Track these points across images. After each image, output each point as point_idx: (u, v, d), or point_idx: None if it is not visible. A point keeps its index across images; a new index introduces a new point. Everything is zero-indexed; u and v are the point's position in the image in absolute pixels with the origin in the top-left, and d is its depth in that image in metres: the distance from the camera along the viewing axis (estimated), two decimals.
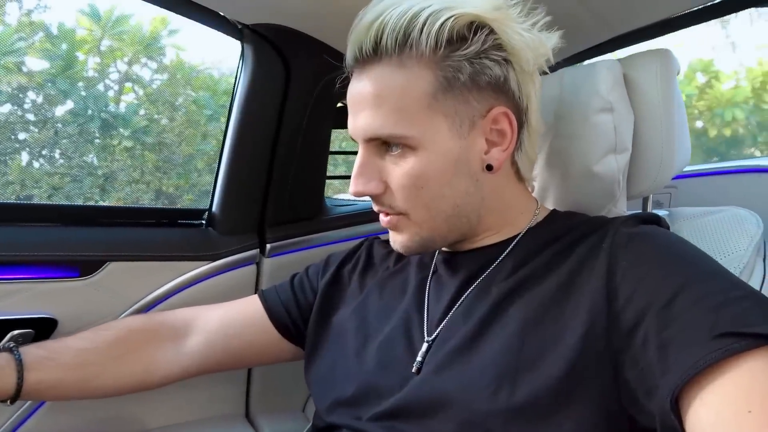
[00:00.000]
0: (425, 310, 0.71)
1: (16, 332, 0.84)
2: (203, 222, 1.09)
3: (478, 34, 0.62)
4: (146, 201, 5.86)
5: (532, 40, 0.65)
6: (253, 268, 1.08)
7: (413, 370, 0.65)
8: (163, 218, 1.05)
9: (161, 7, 0.87)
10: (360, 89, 0.65)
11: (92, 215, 0.97)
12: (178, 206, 4.46)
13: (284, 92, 1.03)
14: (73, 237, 0.93)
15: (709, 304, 0.51)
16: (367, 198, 0.69)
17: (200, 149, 6.12)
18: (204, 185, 5.84)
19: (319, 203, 1.18)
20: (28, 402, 0.88)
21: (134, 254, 0.96)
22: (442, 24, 0.61)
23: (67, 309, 0.90)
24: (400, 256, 0.83)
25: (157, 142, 6.04)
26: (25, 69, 5.53)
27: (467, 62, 0.62)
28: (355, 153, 0.68)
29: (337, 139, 1.28)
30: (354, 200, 1.30)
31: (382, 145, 0.66)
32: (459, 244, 0.72)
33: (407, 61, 0.62)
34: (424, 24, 0.61)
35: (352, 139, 0.69)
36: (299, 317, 0.85)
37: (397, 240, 0.70)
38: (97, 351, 0.78)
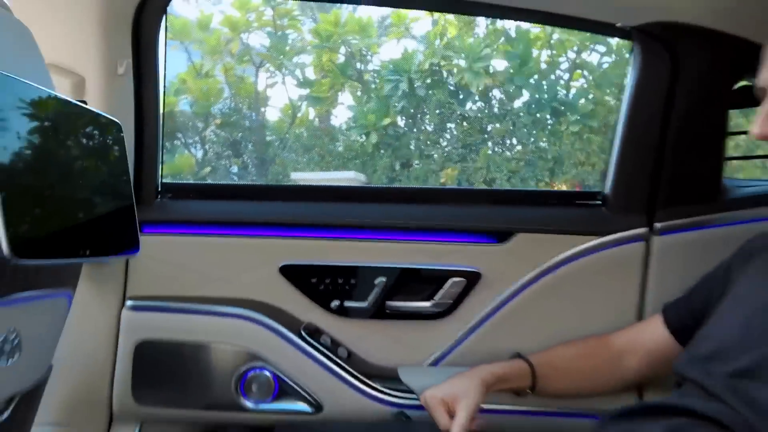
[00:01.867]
0: None
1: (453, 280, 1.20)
2: (599, 202, 1.26)
3: None
4: (591, 182, 6.18)
5: None
6: (641, 245, 1.20)
7: None
8: (563, 199, 1.27)
9: (553, 26, 1.07)
10: None
11: (508, 197, 1.27)
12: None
13: (671, 82, 1.11)
14: (494, 213, 1.25)
15: None
16: None
17: None
18: None
19: (715, 184, 1.20)
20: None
21: (538, 227, 1.21)
22: None
23: (488, 266, 1.21)
24: None
25: (603, 125, 6.26)
26: (491, 70, 6.52)
27: None
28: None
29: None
30: (757, 181, 1.25)
31: None
32: None
33: None
34: None
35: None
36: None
37: None
38: (573, 364, 1.09)
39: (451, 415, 0.95)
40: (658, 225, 1.19)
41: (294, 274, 1.21)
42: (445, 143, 6.59)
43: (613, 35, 1.12)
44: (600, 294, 1.20)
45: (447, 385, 1.00)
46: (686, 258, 1.15)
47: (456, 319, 1.22)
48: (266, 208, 1.27)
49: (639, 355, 1.06)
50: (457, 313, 1.21)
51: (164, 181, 1.29)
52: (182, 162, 7.07)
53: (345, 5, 6.90)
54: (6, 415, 0.78)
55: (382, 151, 6.79)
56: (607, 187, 1.24)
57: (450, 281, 1.20)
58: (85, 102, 1.10)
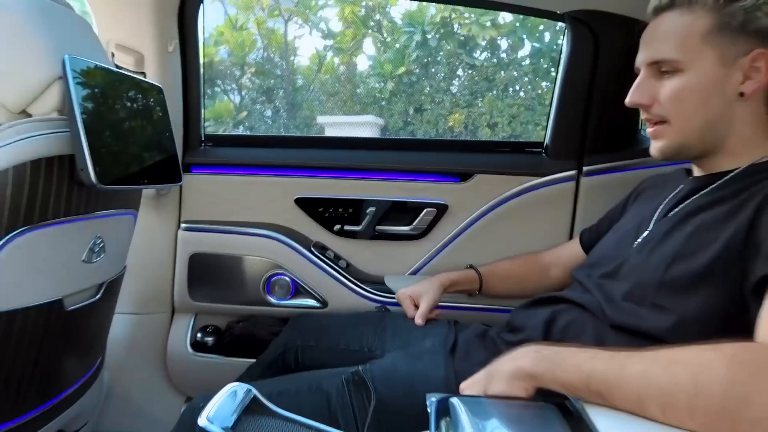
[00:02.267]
0: (656, 213, 0.93)
1: (426, 210, 1.41)
2: (541, 150, 1.45)
3: None
4: None
5: None
6: (572, 184, 1.39)
7: (635, 247, 0.89)
8: (513, 147, 1.46)
9: (502, 11, 1.24)
10: (654, 27, 0.86)
11: (470, 145, 1.46)
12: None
13: (595, 55, 1.29)
14: (458, 159, 1.45)
15: None
16: None
17: None
18: None
19: (632, 136, 1.38)
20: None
21: (493, 170, 1.41)
22: None
23: (453, 199, 1.42)
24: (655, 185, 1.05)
25: None
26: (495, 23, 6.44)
27: (742, 11, 0.78)
28: None
29: None
30: None
31: (658, 70, 0.83)
32: (699, 161, 0.88)
33: (695, 7, 0.81)
34: None
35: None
36: None
37: (656, 146, 0.87)
38: (510, 273, 1.28)
39: (417, 307, 1.18)
40: (585, 168, 1.38)
41: (306, 204, 1.45)
42: (454, 90, 6.63)
43: (549, 18, 1.28)
44: (539, 222, 1.40)
45: (414, 286, 1.22)
46: (607, 195, 1.32)
47: (428, 240, 1.45)
48: (284, 154, 1.49)
49: (561, 267, 1.26)
50: (430, 235, 1.44)
51: (207, 132, 1.51)
52: (222, 107, 7.21)
53: None
54: (99, 296, 1.04)
55: (397, 98, 6.87)
56: (547, 138, 1.43)
57: (424, 211, 1.42)
58: (144, 74, 1.32)
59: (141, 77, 1.31)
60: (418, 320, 1.14)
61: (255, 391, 0.63)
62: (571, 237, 1.40)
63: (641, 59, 0.87)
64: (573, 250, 1.24)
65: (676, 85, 0.82)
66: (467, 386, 0.72)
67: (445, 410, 0.62)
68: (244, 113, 7.49)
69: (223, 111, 7.19)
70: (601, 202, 1.31)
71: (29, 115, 0.85)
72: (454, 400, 0.64)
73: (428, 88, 6.61)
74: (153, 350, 1.49)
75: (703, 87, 0.80)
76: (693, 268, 0.75)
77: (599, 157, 1.37)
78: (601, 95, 1.32)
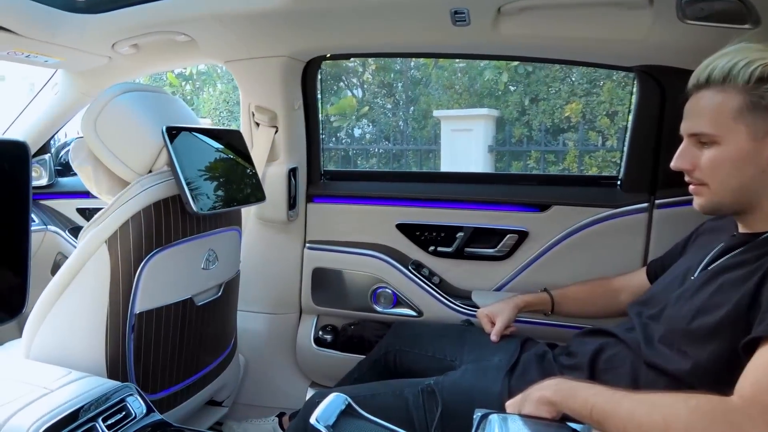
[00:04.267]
0: (701, 264, 1.06)
1: (509, 236, 1.60)
2: (615, 183, 1.57)
3: None
4: None
5: None
6: (645, 215, 1.50)
7: (675, 294, 1.03)
8: (588, 181, 1.59)
9: (571, 65, 1.38)
10: (694, 102, 0.98)
11: (548, 179, 1.62)
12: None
13: (661, 103, 1.39)
14: (538, 191, 1.63)
15: None
16: None
17: None
18: None
19: None
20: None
21: (569, 201, 1.56)
22: (755, 68, 0.88)
23: (533, 227, 1.60)
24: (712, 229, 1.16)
25: None
26: None
27: None
28: None
29: None
30: None
31: (698, 140, 0.94)
32: (739, 218, 1.00)
33: (728, 87, 0.93)
34: (742, 67, 0.91)
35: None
36: None
37: (697, 202, 0.99)
38: (580, 296, 1.41)
39: (494, 325, 1.39)
40: (657, 201, 1.48)
41: (406, 228, 1.71)
42: (571, 79, 6.47)
43: (620, 70, 1.39)
44: (612, 249, 1.53)
45: (492, 306, 1.41)
46: (677, 226, 1.38)
47: (511, 261, 1.64)
48: (388, 186, 1.76)
49: (629, 293, 1.36)
50: (512, 257, 1.63)
51: (325, 168, 1.82)
52: (345, 103, 7.64)
53: None
54: (220, 293, 1.41)
55: (512, 88, 6.85)
56: (621, 172, 1.55)
57: (507, 236, 1.62)
58: (277, 128, 1.65)
59: (274, 130, 1.65)
60: (494, 337, 1.34)
61: (350, 400, 0.90)
62: (644, 264, 1.50)
63: (684, 129, 0.99)
64: (640, 279, 1.36)
65: (713, 155, 0.93)
66: (509, 405, 0.93)
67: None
68: (366, 108, 7.89)
69: (347, 106, 7.63)
70: (674, 231, 1.38)
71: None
72: (493, 416, 0.87)
73: (546, 78, 6.50)
74: (285, 343, 1.85)
75: (736, 158, 0.91)
76: (710, 322, 0.89)
77: (671, 191, 1.46)
78: (669, 135, 1.41)
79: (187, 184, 1.18)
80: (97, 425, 0.92)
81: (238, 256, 1.51)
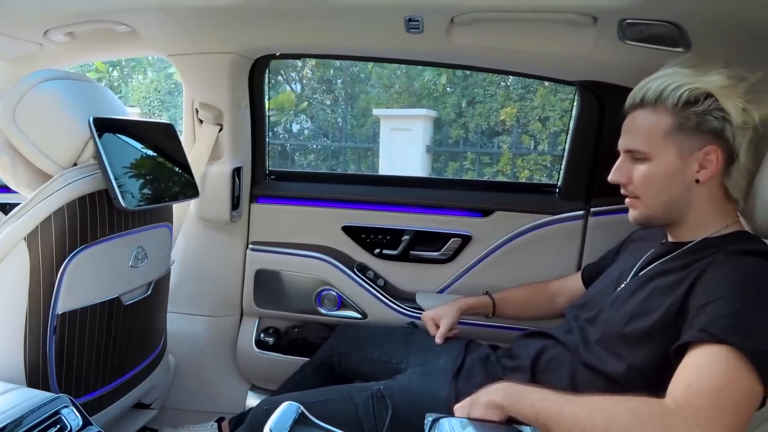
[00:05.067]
0: (632, 269, 1.13)
1: (453, 239, 1.64)
2: (554, 191, 1.64)
3: (706, 100, 0.94)
4: None
5: (745, 109, 0.93)
6: (581, 222, 1.57)
7: (610, 299, 1.09)
8: (529, 188, 1.65)
9: (515, 76, 1.43)
10: (630, 121, 1.04)
11: (490, 186, 1.66)
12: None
13: (600, 116, 1.46)
14: (481, 197, 1.67)
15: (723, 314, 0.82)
16: None
17: None
18: None
19: None
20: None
21: (511, 207, 1.62)
22: (682, 92, 0.95)
23: (476, 231, 1.64)
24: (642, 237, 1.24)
25: None
26: None
27: (695, 115, 0.96)
28: None
29: None
30: None
31: (632, 156, 1.01)
32: (668, 229, 1.06)
33: (659, 109, 0.99)
34: (671, 90, 0.97)
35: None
36: None
37: (631, 214, 1.06)
38: (519, 300, 1.46)
39: (438, 327, 1.41)
40: (592, 209, 1.56)
41: (351, 231, 1.70)
42: (506, 84, 6.67)
43: (562, 83, 1.46)
44: (550, 254, 1.60)
45: (436, 309, 1.44)
46: (610, 233, 1.48)
47: (454, 264, 1.67)
48: (334, 189, 1.75)
49: (564, 296, 1.44)
50: (455, 260, 1.67)
51: (270, 168, 1.79)
52: (284, 98, 7.52)
53: None
54: (149, 292, 1.35)
55: (450, 90, 6.98)
56: (560, 181, 1.62)
57: (451, 240, 1.65)
58: (221, 126, 1.60)
59: (219, 128, 1.60)
60: (438, 340, 1.37)
61: (303, 408, 0.89)
62: (578, 268, 1.58)
63: (621, 145, 1.06)
64: (576, 283, 1.43)
65: (645, 170, 1.00)
66: (457, 408, 0.96)
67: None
68: (305, 103, 7.80)
69: (285, 101, 7.51)
70: (606, 238, 1.48)
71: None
72: (444, 420, 0.89)
73: (483, 81, 6.67)
74: (224, 345, 1.80)
75: (665, 174, 0.98)
76: (643, 326, 0.95)
77: (605, 200, 1.54)
78: (606, 147, 1.49)
79: (115, 178, 1.13)
80: None
81: (169, 253, 1.45)
